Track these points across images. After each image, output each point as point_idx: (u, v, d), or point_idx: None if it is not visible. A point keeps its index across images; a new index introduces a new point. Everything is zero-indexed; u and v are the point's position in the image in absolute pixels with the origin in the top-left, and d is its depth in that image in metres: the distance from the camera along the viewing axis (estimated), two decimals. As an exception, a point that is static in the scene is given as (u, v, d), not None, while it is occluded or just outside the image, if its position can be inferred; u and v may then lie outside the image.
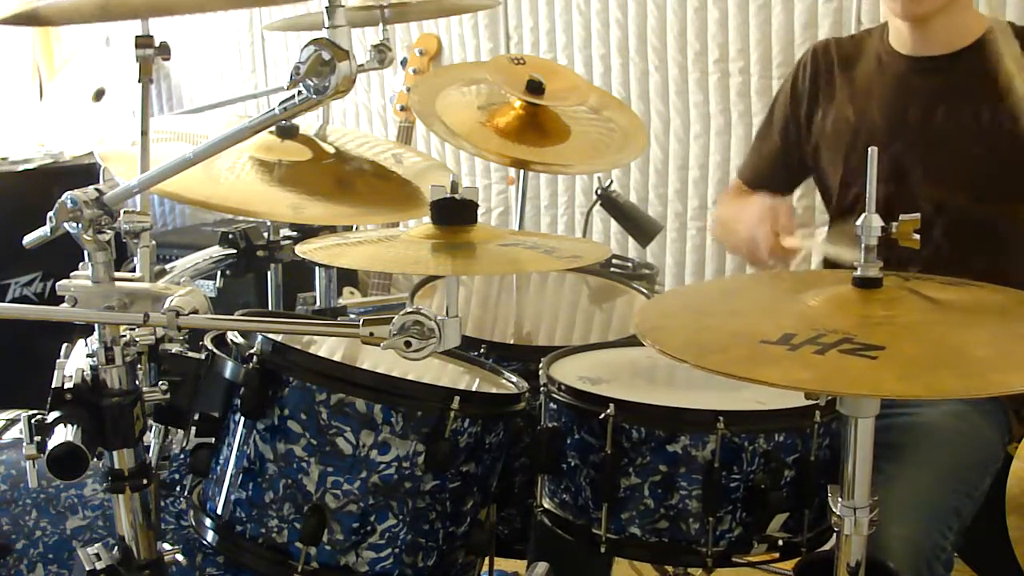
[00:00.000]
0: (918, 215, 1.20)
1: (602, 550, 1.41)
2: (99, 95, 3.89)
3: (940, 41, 1.80)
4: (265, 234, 2.00)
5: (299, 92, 0.99)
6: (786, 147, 2.02)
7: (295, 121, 1.88)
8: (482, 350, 1.64)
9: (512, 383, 1.46)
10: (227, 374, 1.34)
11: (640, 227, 2.45)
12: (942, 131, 1.79)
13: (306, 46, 0.97)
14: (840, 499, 1.17)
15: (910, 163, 1.80)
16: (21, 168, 3.44)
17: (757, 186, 2.01)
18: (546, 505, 1.49)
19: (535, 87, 1.90)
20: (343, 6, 0.97)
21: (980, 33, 1.78)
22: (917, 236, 1.20)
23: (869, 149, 1.18)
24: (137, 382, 1.25)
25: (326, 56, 0.96)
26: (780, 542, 1.39)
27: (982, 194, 1.77)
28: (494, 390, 1.47)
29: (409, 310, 1.11)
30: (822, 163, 1.96)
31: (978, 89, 1.76)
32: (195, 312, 1.14)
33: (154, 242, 1.39)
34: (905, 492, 1.53)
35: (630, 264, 2.28)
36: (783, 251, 1.70)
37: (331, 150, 1.94)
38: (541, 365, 1.51)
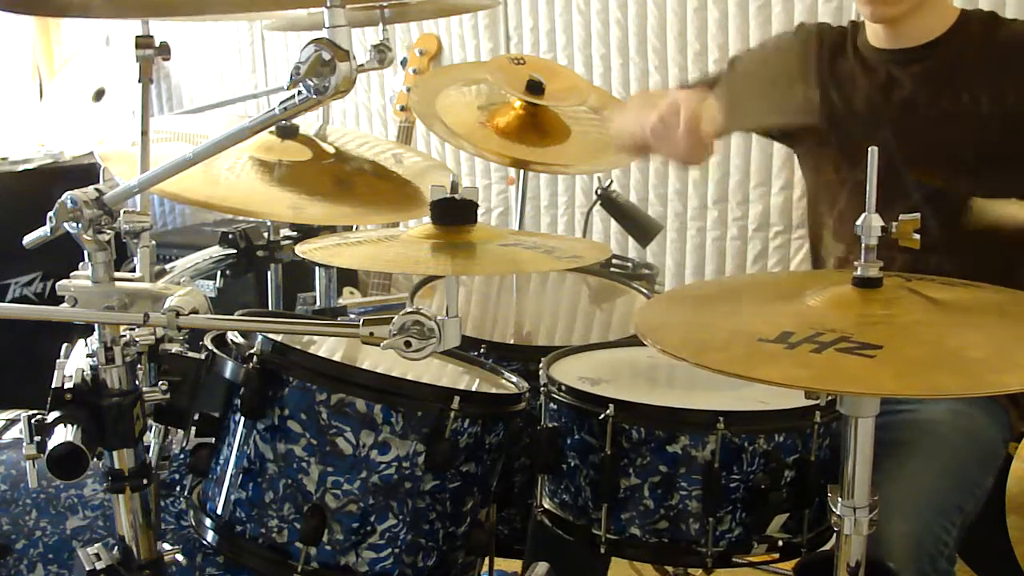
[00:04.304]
0: (918, 215, 1.20)
1: (602, 550, 1.41)
2: (99, 95, 3.89)
3: (913, 35, 1.83)
4: (265, 234, 2.00)
5: (299, 92, 0.99)
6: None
7: (295, 121, 1.88)
8: (482, 350, 1.64)
9: (512, 383, 1.46)
10: (227, 374, 1.33)
11: (640, 227, 2.45)
12: (925, 117, 1.81)
13: (306, 46, 0.97)
14: (840, 499, 1.17)
15: (896, 151, 1.81)
16: (21, 168, 3.43)
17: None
18: (546, 505, 1.49)
19: (535, 87, 1.90)
20: (343, 6, 0.97)
21: (951, 22, 1.81)
22: (917, 236, 1.20)
23: (869, 149, 1.17)
24: (137, 382, 1.24)
25: (326, 56, 0.96)
26: (780, 542, 1.39)
27: (969, 177, 1.77)
28: (494, 390, 1.47)
29: (409, 310, 1.11)
30: (806, 140, 1.96)
31: (957, 74, 1.79)
32: (195, 312, 1.14)
33: (154, 242, 1.39)
34: (907, 488, 1.53)
35: (630, 264, 2.28)
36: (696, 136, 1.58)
37: (331, 150, 1.94)
38: (541, 365, 1.52)
